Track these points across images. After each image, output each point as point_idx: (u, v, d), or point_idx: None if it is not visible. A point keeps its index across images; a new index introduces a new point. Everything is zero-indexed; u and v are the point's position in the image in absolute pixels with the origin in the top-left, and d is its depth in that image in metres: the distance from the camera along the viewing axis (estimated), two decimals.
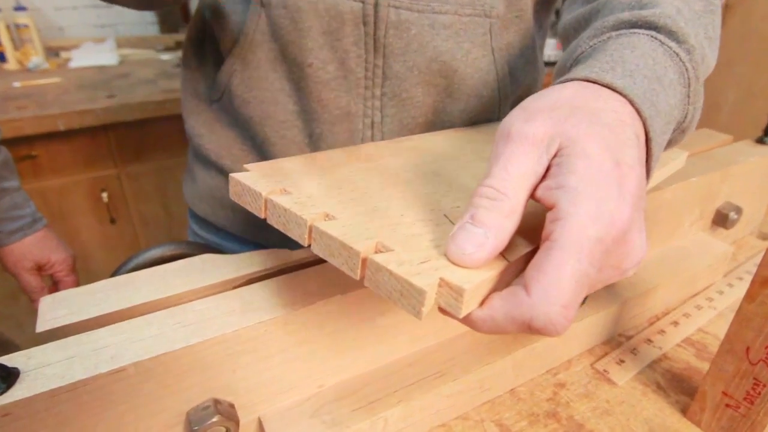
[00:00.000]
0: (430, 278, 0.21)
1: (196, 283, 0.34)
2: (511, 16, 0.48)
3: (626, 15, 0.33)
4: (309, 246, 0.25)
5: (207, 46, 0.52)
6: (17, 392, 0.25)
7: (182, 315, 0.30)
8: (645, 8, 0.33)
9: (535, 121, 0.24)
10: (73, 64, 1.56)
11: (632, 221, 0.23)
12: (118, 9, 1.79)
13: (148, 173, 1.39)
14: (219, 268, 0.36)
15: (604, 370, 0.42)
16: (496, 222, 0.22)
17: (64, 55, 1.63)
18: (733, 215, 0.55)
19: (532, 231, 0.25)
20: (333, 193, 0.29)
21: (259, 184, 0.29)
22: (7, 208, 0.58)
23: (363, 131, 0.47)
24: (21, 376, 0.25)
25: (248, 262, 0.37)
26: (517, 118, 0.24)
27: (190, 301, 0.32)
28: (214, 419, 0.30)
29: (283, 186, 0.29)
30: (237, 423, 0.31)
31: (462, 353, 0.39)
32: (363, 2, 0.41)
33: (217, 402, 0.30)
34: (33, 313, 0.35)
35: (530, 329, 0.22)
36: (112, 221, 1.38)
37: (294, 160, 0.34)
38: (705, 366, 0.43)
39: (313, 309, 0.32)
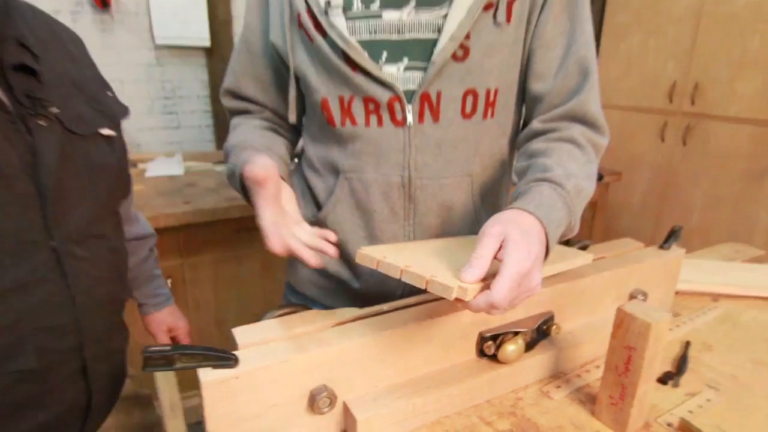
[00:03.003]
0: (454, 283, 0.50)
1: (314, 322, 0.62)
2: (485, 173, 0.79)
3: (538, 175, 0.64)
4: (400, 277, 0.53)
5: (308, 194, 0.83)
6: (241, 367, 0.52)
7: (310, 338, 0.58)
8: (546, 172, 0.64)
9: (494, 227, 0.54)
10: (148, 174, 1.93)
11: (533, 268, 0.52)
12: (184, 129, 2.22)
13: (206, 264, 1.69)
14: (320, 317, 0.64)
15: (547, 391, 0.68)
16: (479, 267, 0.51)
17: (141, 166, 2.02)
18: (640, 297, 0.82)
19: (493, 270, 0.54)
20: (405, 259, 0.57)
21: (375, 253, 0.58)
22: (155, 288, 0.87)
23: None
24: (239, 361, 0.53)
25: (338, 313, 0.65)
26: (486, 225, 0.55)
27: (310, 332, 0.60)
28: (324, 393, 0.56)
29: (384, 255, 0.58)
30: (335, 398, 0.57)
31: (459, 372, 0.65)
32: (402, 176, 0.73)
33: (326, 386, 0.57)
34: None
35: (492, 308, 0.50)
36: None
37: (384, 247, 0.63)
38: None
39: (377, 339, 0.59)
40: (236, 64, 0.82)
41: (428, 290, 0.51)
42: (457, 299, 0.51)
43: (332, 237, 0.68)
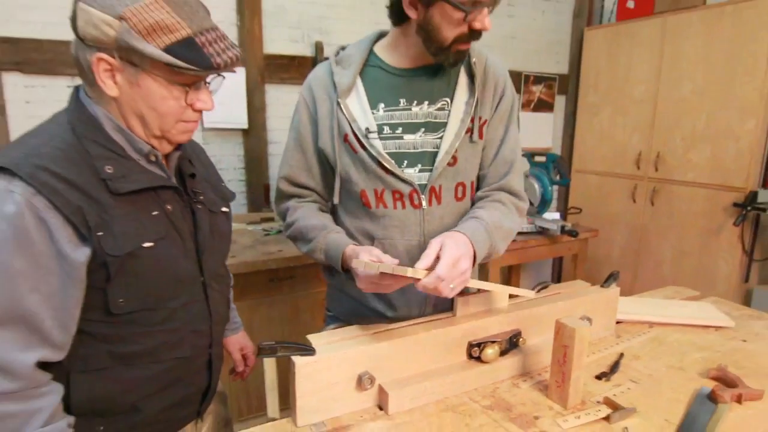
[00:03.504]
0: (413, 270, 0.84)
1: (359, 331, 0.94)
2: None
3: (470, 215, 1.02)
4: (377, 271, 0.85)
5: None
6: (317, 356, 0.84)
7: (357, 341, 0.90)
8: (475, 214, 1.01)
9: (437, 238, 0.90)
10: None
11: (461, 256, 0.88)
12: None
13: (244, 308, 1.98)
14: (363, 328, 0.95)
15: (516, 383, 0.99)
16: (426, 258, 0.86)
17: None
18: (586, 322, 1.14)
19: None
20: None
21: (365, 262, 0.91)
22: (233, 317, 1.18)
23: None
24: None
25: (374, 327, 0.97)
26: (433, 239, 0.90)
27: (357, 337, 0.92)
28: (367, 376, 0.87)
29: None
30: (374, 380, 0.88)
31: (454, 368, 0.96)
32: (419, 240, 1.06)
33: (368, 372, 0.88)
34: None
35: (437, 290, 0.85)
36: None
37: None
38: None
39: (400, 343, 0.91)
40: (291, 159, 1.13)
41: (393, 272, 0.83)
42: (415, 279, 0.85)
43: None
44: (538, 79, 3.21)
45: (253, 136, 2.44)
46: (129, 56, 0.70)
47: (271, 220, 2.45)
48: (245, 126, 2.40)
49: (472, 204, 1.12)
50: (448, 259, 0.86)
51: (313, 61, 2.45)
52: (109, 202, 0.73)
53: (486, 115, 1.07)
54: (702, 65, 2.56)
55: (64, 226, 0.69)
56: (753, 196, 2.34)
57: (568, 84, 3.36)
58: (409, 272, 0.84)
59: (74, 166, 0.71)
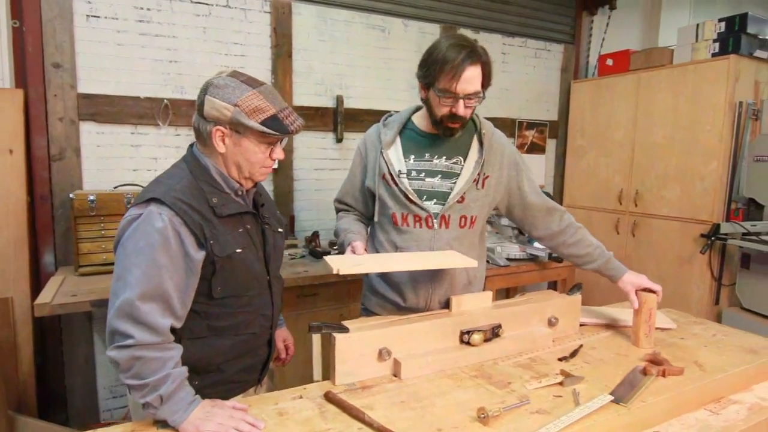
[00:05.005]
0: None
1: (379, 320, 1.28)
2: (462, 248, 1.47)
3: (599, 252, 1.55)
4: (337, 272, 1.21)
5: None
6: (350, 334, 1.18)
7: (380, 325, 1.24)
8: (600, 251, 1.55)
9: (627, 289, 1.49)
10: None
11: (643, 284, 1.42)
12: None
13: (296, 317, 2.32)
14: (382, 318, 1.29)
15: (497, 362, 1.31)
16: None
17: None
18: (553, 320, 1.47)
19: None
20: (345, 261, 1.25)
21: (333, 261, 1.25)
22: (279, 316, 1.53)
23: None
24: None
25: (391, 317, 1.30)
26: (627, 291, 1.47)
27: (379, 324, 1.25)
28: (385, 350, 1.21)
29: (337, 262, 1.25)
30: (390, 353, 1.22)
31: (450, 348, 1.29)
32: (433, 230, 1.42)
33: (386, 347, 1.22)
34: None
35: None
36: None
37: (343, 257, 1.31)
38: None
39: (410, 328, 1.25)
40: (344, 187, 1.61)
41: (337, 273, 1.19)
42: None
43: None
44: (531, 125, 3.61)
45: (281, 174, 2.83)
46: (236, 127, 1.08)
47: (295, 246, 2.80)
48: (275, 165, 2.80)
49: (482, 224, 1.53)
50: (650, 283, 1.48)
51: (334, 112, 2.87)
52: (215, 221, 1.09)
53: (489, 173, 1.46)
54: (671, 114, 2.95)
55: (190, 236, 1.05)
56: (716, 228, 2.67)
57: (558, 129, 3.76)
58: (330, 264, 1.20)
59: (195, 198, 1.08)
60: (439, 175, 1.44)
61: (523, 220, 1.57)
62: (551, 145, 3.77)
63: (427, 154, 1.46)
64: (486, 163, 1.45)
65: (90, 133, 2.40)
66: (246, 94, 1.07)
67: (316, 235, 2.74)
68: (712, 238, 2.66)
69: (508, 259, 2.71)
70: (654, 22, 3.81)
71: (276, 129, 1.08)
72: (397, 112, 1.57)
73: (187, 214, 1.04)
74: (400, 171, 1.43)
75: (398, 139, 1.48)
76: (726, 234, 2.66)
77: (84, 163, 2.40)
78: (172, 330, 1.06)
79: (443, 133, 1.41)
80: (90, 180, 2.42)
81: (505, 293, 3.62)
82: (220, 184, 1.14)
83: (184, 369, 1.05)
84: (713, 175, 2.74)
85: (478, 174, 1.43)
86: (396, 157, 1.45)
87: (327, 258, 1.29)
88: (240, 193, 1.18)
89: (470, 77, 1.31)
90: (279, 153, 1.16)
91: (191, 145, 1.19)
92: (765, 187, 2.65)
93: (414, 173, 1.44)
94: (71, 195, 2.12)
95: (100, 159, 2.43)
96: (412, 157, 1.45)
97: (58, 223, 2.37)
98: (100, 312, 1.93)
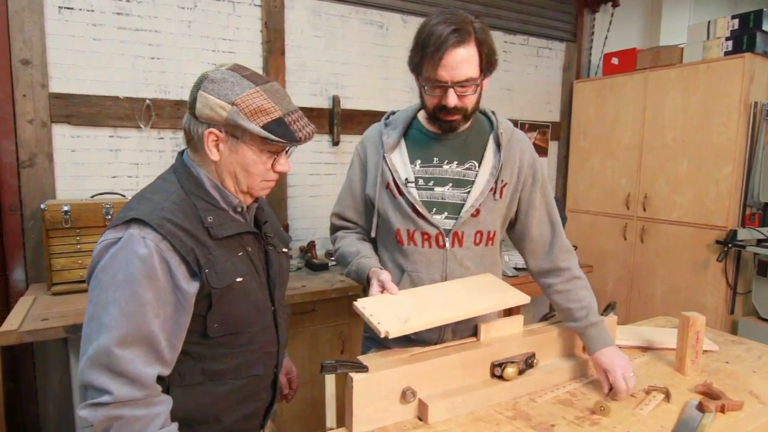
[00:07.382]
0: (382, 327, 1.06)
1: (400, 354, 1.11)
2: (478, 269, 1.28)
3: (580, 311, 1.26)
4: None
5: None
6: (369, 373, 1.00)
7: (401, 360, 1.07)
8: (582, 313, 1.25)
9: (599, 368, 1.18)
10: None
11: (618, 369, 1.10)
12: None
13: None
14: (402, 351, 1.12)
15: (534, 398, 1.15)
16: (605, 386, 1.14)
17: None
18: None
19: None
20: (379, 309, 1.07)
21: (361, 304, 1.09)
22: None
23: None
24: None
25: (414, 349, 1.13)
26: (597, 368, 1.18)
27: (400, 358, 1.08)
28: (409, 391, 1.04)
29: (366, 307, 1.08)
30: (415, 394, 1.05)
31: (480, 384, 1.13)
32: (441, 275, 1.24)
33: (410, 387, 1.05)
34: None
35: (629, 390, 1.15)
36: None
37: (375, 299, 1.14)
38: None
39: (436, 363, 1.08)
40: (343, 200, 1.36)
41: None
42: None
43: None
44: (533, 126, 3.47)
45: (276, 198, 2.65)
46: (233, 131, 0.90)
47: (290, 258, 2.61)
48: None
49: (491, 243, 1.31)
50: (618, 376, 1.15)
51: (330, 113, 2.69)
52: (210, 244, 0.91)
53: (507, 179, 1.25)
54: (681, 116, 2.83)
55: (181, 265, 0.87)
56: (733, 234, 2.55)
57: (560, 131, 3.63)
58: (374, 324, 1.01)
59: (187, 218, 0.89)
60: (450, 184, 1.24)
61: (517, 244, 1.37)
62: (554, 147, 3.64)
63: (435, 158, 1.25)
64: (504, 168, 1.25)
65: (64, 136, 2.19)
66: (247, 92, 0.89)
67: (312, 245, 2.56)
68: (729, 245, 2.54)
69: (516, 269, 2.56)
70: (655, 19, 3.70)
71: (281, 135, 0.91)
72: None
73: (177, 237, 0.86)
74: (407, 179, 1.22)
75: (403, 142, 1.27)
76: (743, 240, 2.55)
77: (57, 170, 2.18)
78: (160, 378, 0.88)
79: (441, 128, 1.22)
80: (64, 188, 2.20)
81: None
82: (216, 199, 0.96)
83: (174, 427, 0.86)
84: (728, 178, 2.63)
85: (495, 182, 1.23)
86: (401, 162, 1.25)
87: (367, 317, 1.05)
88: (240, 209, 1.00)
89: (457, 62, 1.10)
90: (284, 165, 0.99)
91: (181, 153, 1.00)
92: None
93: (421, 182, 1.23)
94: (43, 205, 1.91)
95: (76, 165, 2.21)
96: (419, 162, 1.25)
97: (28, 236, 2.15)
98: (76, 337, 1.72)
